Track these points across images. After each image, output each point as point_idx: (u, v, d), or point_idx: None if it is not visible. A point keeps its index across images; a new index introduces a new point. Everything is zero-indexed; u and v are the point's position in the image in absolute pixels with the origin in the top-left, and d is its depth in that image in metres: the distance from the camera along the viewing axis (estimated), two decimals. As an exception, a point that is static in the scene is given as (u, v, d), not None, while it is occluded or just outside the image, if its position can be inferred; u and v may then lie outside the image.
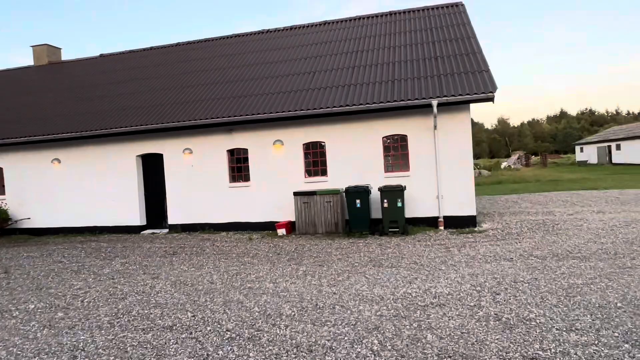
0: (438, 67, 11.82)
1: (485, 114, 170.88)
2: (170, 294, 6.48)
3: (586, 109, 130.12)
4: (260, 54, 15.52)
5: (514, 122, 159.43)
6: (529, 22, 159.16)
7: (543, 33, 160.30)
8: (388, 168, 11.57)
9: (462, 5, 15.24)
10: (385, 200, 10.45)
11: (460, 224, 10.91)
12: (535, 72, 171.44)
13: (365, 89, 11.62)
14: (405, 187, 10.85)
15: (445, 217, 11.02)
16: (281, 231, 11.45)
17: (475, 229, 10.68)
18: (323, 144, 11.91)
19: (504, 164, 53.82)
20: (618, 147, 43.30)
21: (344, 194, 10.99)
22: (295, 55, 14.71)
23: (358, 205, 10.61)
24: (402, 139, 11.42)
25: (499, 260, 7.52)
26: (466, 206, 10.92)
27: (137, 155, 13.33)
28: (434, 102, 10.36)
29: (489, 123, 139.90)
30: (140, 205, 13.30)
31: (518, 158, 55.18)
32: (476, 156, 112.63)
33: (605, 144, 46.09)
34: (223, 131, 12.51)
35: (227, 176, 12.58)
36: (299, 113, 11.32)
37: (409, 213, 11.23)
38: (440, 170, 10.99)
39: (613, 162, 44.01)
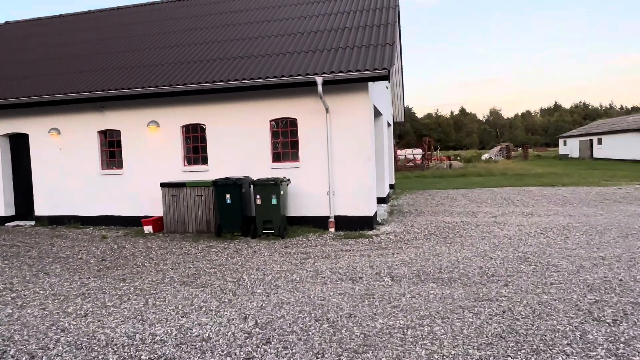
0: (340, 39, 9.99)
1: (478, 105, 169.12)
2: None
3: (580, 102, 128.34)
4: (148, 24, 13.62)
5: (507, 113, 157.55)
6: (527, 12, 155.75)
7: (538, 24, 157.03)
8: (277, 157, 9.82)
9: (397, -27, 13.32)
10: (257, 196, 8.71)
11: (354, 225, 9.21)
12: (531, 63, 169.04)
13: (252, 62, 9.79)
14: (288, 180, 9.13)
15: (337, 217, 9.31)
16: (147, 229, 9.73)
17: (370, 231, 8.99)
18: (204, 127, 10.13)
19: (485, 156, 52.21)
20: (600, 142, 41.66)
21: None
22: (189, 26, 12.83)
23: (228, 201, 8.87)
24: (293, 123, 9.64)
25: (344, 280, 5.83)
26: (362, 205, 9.21)
27: (1, 135, 11.50)
28: (319, 79, 8.55)
29: (481, 114, 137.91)
30: (4, 193, 11.52)
31: (500, 150, 53.52)
32: (466, 147, 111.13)
33: (588, 138, 44.44)
34: (94, 109, 10.68)
35: (99, 162, 10.80)
36: (159, 90, 9.48)
37: (297, 211, 9.53)
38: (332, 162, 9.25)
39: (594, 156, 42.43)
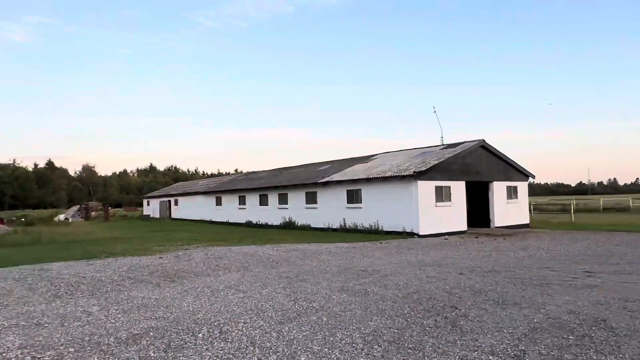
0: None
1: (70, 161, 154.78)
2: None
3: (172, 166, 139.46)
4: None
5: (103, 171, 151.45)
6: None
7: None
8: None
9: None
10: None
11: None
12: (129, 124, 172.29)
13: None
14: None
15: None
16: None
17: None
18: None
19: (60, 217, 44.15)
20: (176, 203, 42.74)
21: None
22: None
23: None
24: None
25: None
26: None
27: None
28: None
29: (73, 170, 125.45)
30: None
31: (79, 210, 46.87)
32: (52, 205, 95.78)
33: (167, 199, 45.07)
34: None
35: None
36: None
37: None
38: None
39: (172, 217, 43.07)
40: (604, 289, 7.79)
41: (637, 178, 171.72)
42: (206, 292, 8.01)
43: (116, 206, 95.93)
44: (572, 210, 30.55)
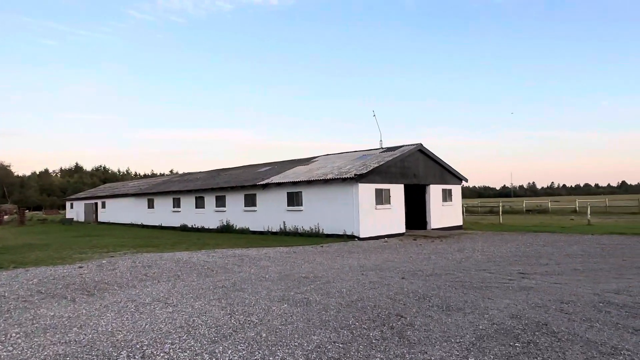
0: None
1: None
2: None
3: (101, 165, 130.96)
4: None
5: (20, 170, 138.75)
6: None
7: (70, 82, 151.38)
8: None
9: None
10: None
11: None
12: (52, 123, 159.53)
13: None
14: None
15: None
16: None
17: None
18: None
19: (-35, 221, 39.43)
20: (104, 205, 39.81)
21: None
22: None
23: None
24: None
25: None
26: None
27: None
28: None
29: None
30: None
31: (-11, 213, 42.13)
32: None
33: (93, 201, 41.86)
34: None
35: None
36: None
37: None
38: None
39: (99, 220, 40.06)
40: (539, 290, 7.93)
41: (552, 182, 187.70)
42: (130, 307, 7.14)
43: (35, 209, 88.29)
44: (500, 212, 32.22)
